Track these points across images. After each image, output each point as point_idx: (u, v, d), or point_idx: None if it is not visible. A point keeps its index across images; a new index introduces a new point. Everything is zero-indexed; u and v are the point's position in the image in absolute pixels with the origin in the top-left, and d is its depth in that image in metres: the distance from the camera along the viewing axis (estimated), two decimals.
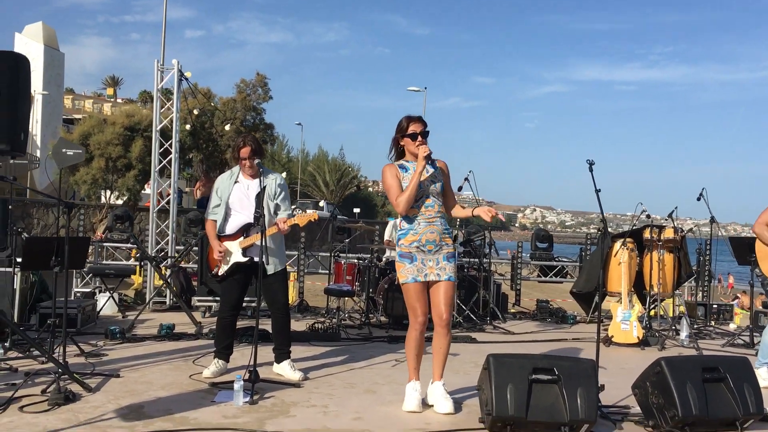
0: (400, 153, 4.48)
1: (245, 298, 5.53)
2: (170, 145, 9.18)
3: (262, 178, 5.03)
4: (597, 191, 4.66)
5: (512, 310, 9.81)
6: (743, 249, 7.51)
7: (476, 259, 8.93)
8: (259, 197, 4.99)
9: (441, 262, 4.30)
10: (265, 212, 4.96)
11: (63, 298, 5.49)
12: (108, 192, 21.12)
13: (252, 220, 5.00)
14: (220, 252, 5.03)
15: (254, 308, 5.13)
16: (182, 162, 23.67)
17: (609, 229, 8.94)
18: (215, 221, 5.12)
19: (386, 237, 10.04)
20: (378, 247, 9.12)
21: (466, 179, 7.74)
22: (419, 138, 4.32)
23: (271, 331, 5.22)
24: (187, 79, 9.16)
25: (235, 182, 5.13)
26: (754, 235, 5.95)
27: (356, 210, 12.54)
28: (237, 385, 4.27)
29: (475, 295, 8.51)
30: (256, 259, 4.89)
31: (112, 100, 61.67)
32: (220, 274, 5.12)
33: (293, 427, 3.83)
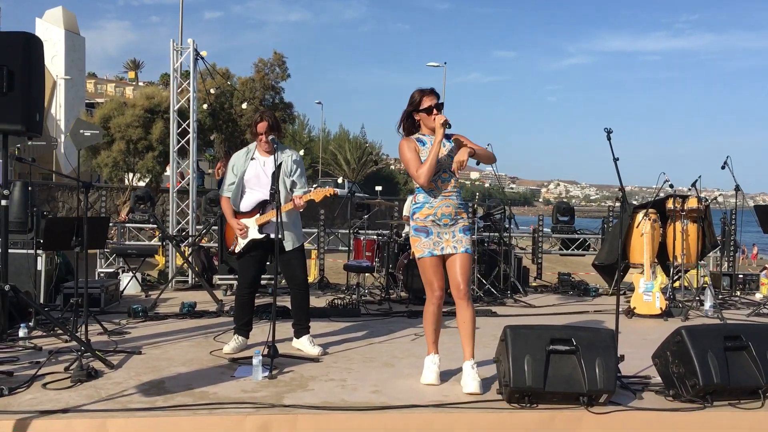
0: (410, 127, 4.39)
1: (265, 276, 5.54)
2: (188, 125, 9.20)
3: (277, 154, 5.00)
4: (615, 160, 4.60)
5: (533, 284, 9.77)
6: None
7: (496, 234, 8.87)
8: (275, 174, 4.97)
9: (457, 235, 4.26)
10: (281, 189, 4.93)
11: (84, 278, 5.56)
12: (130, 174, 21.28)
13: (268, 197, 4.99)
14: (240, 229, 5.03)
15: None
16: (203, 143, 23.77)
17: (634, 202, 8.84)
18: (230, 198, 5.12)
19: (405, 212, 10.00)
20: (397, 223, 9.09)
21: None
22: (434, 110, 4.26)
23: (290, 307, 5.24)
24: (203, 58, 9.16)
25: (251, 159, 5.12)
26: None
27: (378, 188, 12.47)
28: (256, 360, 4.30)
29: (495, 269, 8.47)
30: (273, 236, 4.89)
31: (134, 83, 62.04)
32: (236, 251, 5.13)
33: (311, 401, 3.85)
